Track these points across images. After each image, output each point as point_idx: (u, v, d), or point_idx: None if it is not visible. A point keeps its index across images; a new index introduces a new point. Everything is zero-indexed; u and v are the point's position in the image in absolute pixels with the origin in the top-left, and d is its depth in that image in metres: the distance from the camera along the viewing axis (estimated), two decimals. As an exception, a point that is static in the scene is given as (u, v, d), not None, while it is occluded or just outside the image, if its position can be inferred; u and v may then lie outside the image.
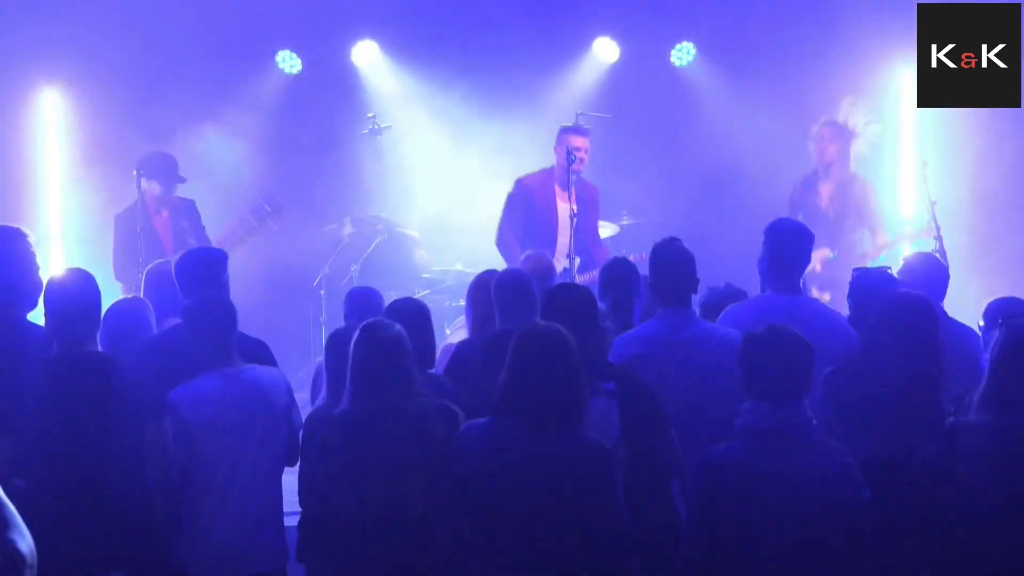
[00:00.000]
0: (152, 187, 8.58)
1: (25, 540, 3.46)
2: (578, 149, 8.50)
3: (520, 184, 8.86)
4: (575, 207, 8.19)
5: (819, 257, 9.15)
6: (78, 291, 4.82)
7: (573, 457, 4.05)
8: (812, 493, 3.96)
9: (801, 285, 5.69)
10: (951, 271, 7.33)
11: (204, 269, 5.48)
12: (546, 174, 8.86)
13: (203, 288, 5.31)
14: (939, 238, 8.46)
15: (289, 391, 5.13)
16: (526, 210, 8.78)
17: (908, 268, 6.07)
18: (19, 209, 9.98)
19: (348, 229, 10.24)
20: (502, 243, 8.71)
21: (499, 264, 7.95)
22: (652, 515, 4.53)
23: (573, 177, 8.28)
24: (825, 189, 9.46)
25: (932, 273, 6.03)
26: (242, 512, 4.88)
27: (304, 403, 6.23)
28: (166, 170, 8.68)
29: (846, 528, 3.99)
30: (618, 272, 5.88)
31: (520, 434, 4.07)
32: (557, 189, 8.71)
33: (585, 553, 4.05)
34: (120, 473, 4.71)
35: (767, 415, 4.04)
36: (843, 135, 9.51)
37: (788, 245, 5.54)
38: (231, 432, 4.89)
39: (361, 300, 5.98)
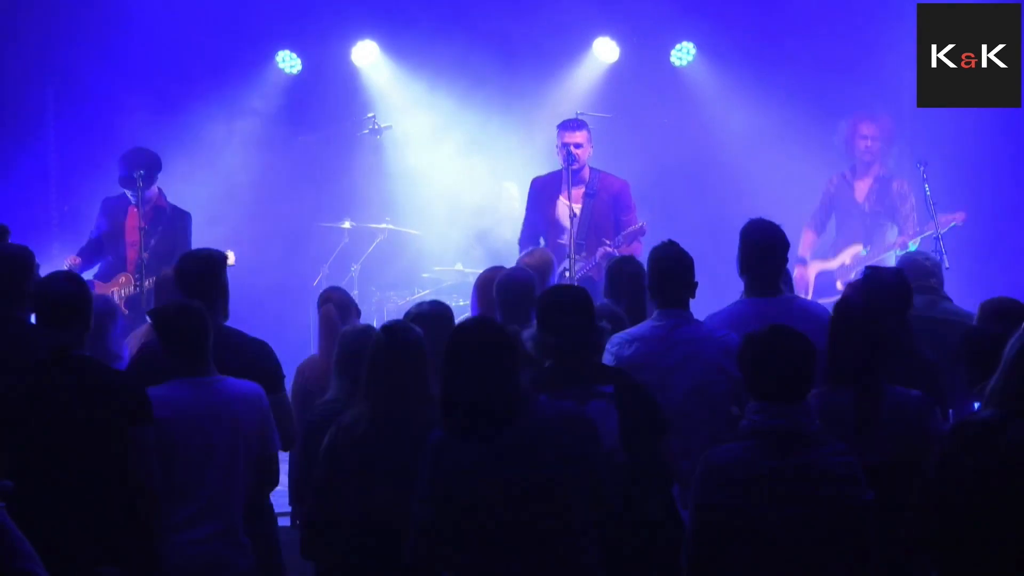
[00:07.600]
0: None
1: (40, 566, 3.42)
2: (575, 145, 8.40)
3: (532, 184, 8.87)
4: (575, 206, 8.18)
5: (852, 252, 9.11)
6: (63, 293, 4.73)
7: (529, 445, 3.94)
8: (816, 493, 3.94)
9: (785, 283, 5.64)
10: (949, 271, 7.34)
11: (201, 271, 5.39)
12: (554, 173, 8.80)
13: (195, 291, 5.25)
14: (939, 238, 8.47)
15: (265, 409, 4.89)
16: (535, 210, 8.76)
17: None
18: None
19: (348, 229, 10.24)
20: (520, 246, 8.62)
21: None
22: (653, 518, 4.51)
23: (573, 168, 8.26)
24: (862, 184, 9.40)
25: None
26: (193, 527, 4.72)
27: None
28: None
29: (850, 529, 3.98)
30: (628, 271, 5.87)
31: (467, 438, 3.96)
32: (563, 188, 8.54)
33: (575, 536, 3.98)
34: (102, 477, 4.60)
35: (771, 415, 4.02)
36: (885, 131, 9.43)
37: (763, 246, 5.47)
38: (187, 445, 4.73)
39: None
